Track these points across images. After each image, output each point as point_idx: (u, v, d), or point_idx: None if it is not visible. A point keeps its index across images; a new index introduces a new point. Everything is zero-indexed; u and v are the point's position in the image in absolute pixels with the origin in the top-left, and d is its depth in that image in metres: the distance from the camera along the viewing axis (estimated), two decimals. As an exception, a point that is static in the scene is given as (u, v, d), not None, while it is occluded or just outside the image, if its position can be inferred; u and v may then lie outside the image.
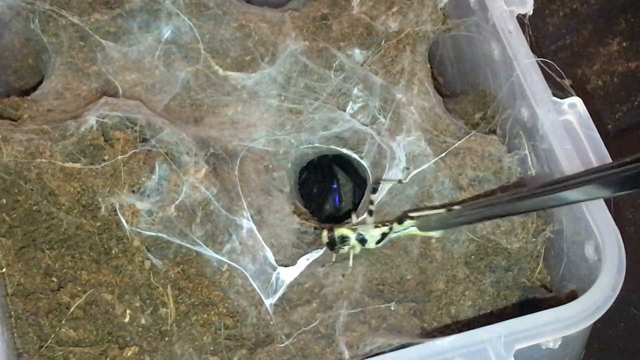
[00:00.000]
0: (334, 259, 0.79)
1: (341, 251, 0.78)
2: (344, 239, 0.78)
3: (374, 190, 0.82)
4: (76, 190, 0.74)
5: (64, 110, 0.82)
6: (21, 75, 0.92)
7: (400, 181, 0.81)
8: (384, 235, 0.77)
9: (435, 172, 0.80)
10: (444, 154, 0.80)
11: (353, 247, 0.78)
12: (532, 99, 0.77)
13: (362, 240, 0.78)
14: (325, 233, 0.78)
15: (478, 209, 0.69)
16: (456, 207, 0.75)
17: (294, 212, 0.85)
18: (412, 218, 0.77)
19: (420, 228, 0.77)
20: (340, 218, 0.90)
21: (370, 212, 0.80)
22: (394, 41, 0.87)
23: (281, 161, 0.86)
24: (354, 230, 0.78)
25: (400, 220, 0.78)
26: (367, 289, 0.77)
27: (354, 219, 0.82)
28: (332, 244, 0.78)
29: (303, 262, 0.79)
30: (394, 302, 0.76)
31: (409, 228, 0.77)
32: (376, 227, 0.78)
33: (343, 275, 0.78)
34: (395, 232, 0.78)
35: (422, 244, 0.79)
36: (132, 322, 0.73)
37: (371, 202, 0.81)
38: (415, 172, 0.81)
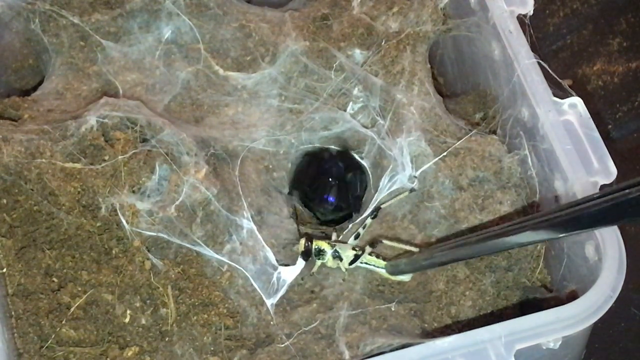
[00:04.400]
0: (311, 271, 0.79)
1: (316, 264, 0.79)
2: (320, 252, 0.78)
3: (374, 216, 0.81)
4: (76, 191, 0.74)
5: (65, 111, 0.82)
6: (21, 75, 0.92)
7: (411, 190, 0.81)
8: (356, 257, 0.78)
9: (436, 172, 0.80)
10: (444, 154, 0.80)
11: (326, 262, 0.78)
12: (533, 99, 0.77)
13: (338, 258, 0.78)
14: (302, 242, 0.78)
15: (447, 250, 0.70)
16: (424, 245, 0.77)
17: (291, 216, 0.84)
18: (376, 257, 0.78)
19: (391, 273, 0.77)
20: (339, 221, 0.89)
21: (357, 235, 0.80)
22: (394, 41, 0.87)
23: (281, 161, 0.86)
24: (332, 246, 0.78)
25: (372, 244, 0.78)
26: (368, 290, 0.77)
27: (334, 236, 0.82)
28: (306, 254, 0.78)
29: (301, 261, 0.78)
30: (394, 303, 0.76)
31: (380, 269, 0.78)
32: (353, 248, 0.78)
33: (343, 280, 0.79)
34: (363, 262, 0.78)
35: (417, 271, 0.78)
36: (133, 322, 0.73)
37: (364, 226, 0.81)
38: (417, 173, 0.81)
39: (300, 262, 0.79)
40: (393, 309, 0.75)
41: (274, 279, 0.77)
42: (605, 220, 0.53)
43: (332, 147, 0.88)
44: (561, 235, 0.58)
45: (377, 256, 0.78)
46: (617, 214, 0.51)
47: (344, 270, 0.78)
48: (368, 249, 0.78)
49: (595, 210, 0.52)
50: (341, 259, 0.78)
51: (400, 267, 0.76)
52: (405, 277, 0.78)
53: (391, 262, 0.77)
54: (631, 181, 0.50)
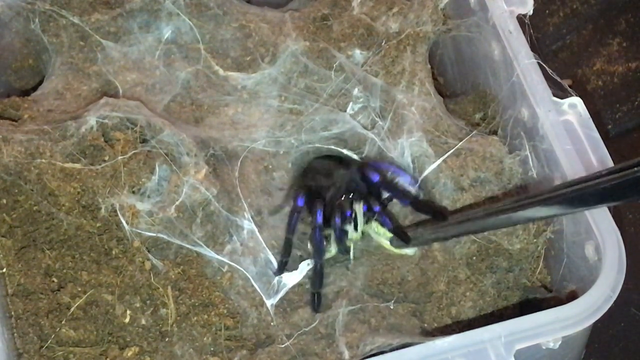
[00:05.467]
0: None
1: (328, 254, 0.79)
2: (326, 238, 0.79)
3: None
4: (76, 191, 0.74)
5: (64, 111, 0.82)
6: (21, 75, 0.92)
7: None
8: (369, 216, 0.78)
9: (437, 173, 0.80)
10: (447, 155, 0.80)
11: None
12: (533, 99, 0.77)
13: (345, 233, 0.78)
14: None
15: (453, 225, 0.69)
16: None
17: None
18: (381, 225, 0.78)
19: (396, 246, 0.77)
20: None
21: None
22: (395, 42, 0.87)
23: (281, 162, 0.86)
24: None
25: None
26: (368, 288, 0.78)
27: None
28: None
29: (304, 267, 0.78)
30: (392, 301, 0.76)
31: (383, 240, 0.78)
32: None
33: (348, 269, 0.79)
34: (373, 230, 0.78)
35: (423, 245, 0.79)
36: (133, 323, 0.73)
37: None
38: (421, 177, 0.81)
39: (302, 268, 0.79)
40: (392, 307, 0.75)
41: (275, 280, 0.77)
42: (613, 197, 0.53)
43: (334, 147, 0.87)
44: (568, 212, 0.58)
45: (382, 225, 0.78)
46: (625, 192, 0.51)
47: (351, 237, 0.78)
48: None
49: (603, 188, 0.52)
50: (347, 232, 0.78)
51: None
52: (410, 251, 0.78)
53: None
54: (637, 159, 0.50)
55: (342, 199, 0.78)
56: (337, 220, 0.77)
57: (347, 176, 0.80)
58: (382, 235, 0.78)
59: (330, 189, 0.80)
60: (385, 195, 0.79)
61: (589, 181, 0.54)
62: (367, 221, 0.78)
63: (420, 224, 0.79)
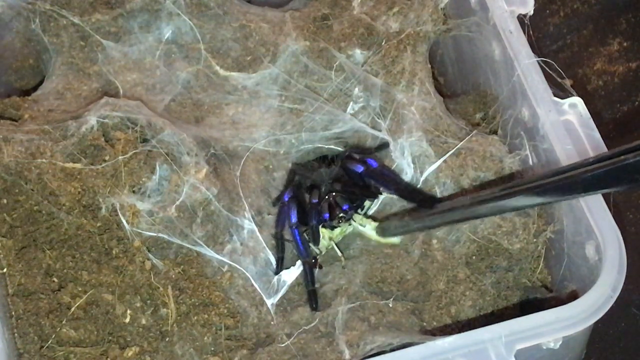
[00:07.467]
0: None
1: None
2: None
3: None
4: (77, 191, 0.74)
5: (65, 111, 0.82)
6: (22, 75, 0.92)
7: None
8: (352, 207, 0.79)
9: (437, 172, 0.80)
10: (448, 155, 0.80)
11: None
12: (533, 99, 0.77)
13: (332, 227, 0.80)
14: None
15: (439, 213, 0.69)
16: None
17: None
18: (365, 216, 0.79)
19: (380, 234, 0.78)
20: None
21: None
22: (395, 41, 0.87)
23: (282, 161, 0.86)
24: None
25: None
26: (367, 286, 0.78)
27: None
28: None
29: (299, 263, 0.79)
30: (391, 299, 0.76)
31: (367, 229, 0.79)
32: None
33: (343, 267, 0.79)
34: (355, 222, 0.79)
35: (423, 245, 0.79)
36: (133, 323, 0.73)
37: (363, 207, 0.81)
38: (422, 177, 0.81)
39: (299, 263, 0.79)
40: (390, 305, 0.75)
41: (274, 279, 0.78)
42: (600, 185, 0.52)
43: (334, 147, 0.87)
44: (556, 200, 0.58)
45: (366, 216, 0.79)
46: (613, 180, 0.51)
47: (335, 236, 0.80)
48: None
49: (590, 176, 0.52)
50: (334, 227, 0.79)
51: (391, 229, 0.76)
52: (395, 240, 0.79)
53: (381, 224, 0.77)
54: (626, 146, 0.50)
55: (318, 199, 0.80)
56: (314, 221, 0.78)
57: (328, 174, 0.82)
58: (367, 227, 0.79)
59: (312, 188, 0.82)
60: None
61: (576, 169, 0.54)
62: (342, 219, 0.79)
63: (406, 213, 0.79)
